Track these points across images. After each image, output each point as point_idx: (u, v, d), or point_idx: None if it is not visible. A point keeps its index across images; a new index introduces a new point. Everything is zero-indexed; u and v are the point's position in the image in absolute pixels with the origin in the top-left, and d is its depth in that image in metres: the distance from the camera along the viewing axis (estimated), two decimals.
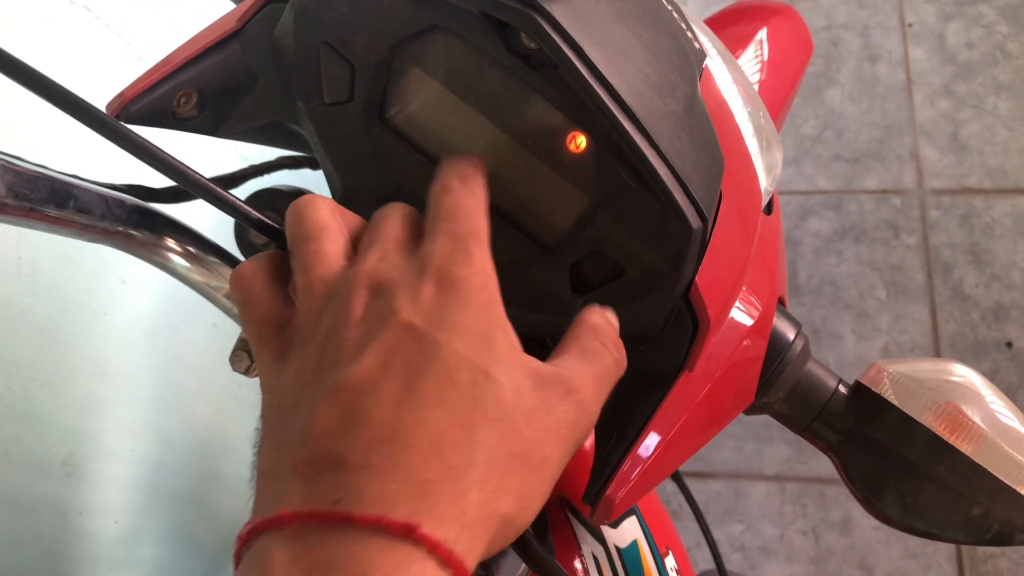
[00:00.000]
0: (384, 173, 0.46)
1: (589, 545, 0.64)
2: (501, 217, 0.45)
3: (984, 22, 1.91)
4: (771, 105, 0.92)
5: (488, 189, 0.43)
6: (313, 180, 0.77)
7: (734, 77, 0.56)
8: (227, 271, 0.49)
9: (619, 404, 0.43)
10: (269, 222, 0.41)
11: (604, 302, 0.43)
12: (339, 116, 0.45)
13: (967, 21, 1.91)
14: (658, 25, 0.45)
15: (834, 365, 1.69)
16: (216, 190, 0.39)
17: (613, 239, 0.42)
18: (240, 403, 1.11)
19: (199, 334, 1.00)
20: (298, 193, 0.54)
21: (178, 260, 0.49)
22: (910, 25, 1.93)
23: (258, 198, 0.54)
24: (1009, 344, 1.63)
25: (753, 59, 0.96)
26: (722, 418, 0.45)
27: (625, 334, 0.43)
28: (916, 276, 1.70)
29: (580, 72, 0.39)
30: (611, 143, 0.40)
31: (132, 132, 0.35)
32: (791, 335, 0.47)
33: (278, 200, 0.54)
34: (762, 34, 0.99)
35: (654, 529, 0.71)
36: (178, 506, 0.96)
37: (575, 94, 0.40)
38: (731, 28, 1.00)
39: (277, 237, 0.41)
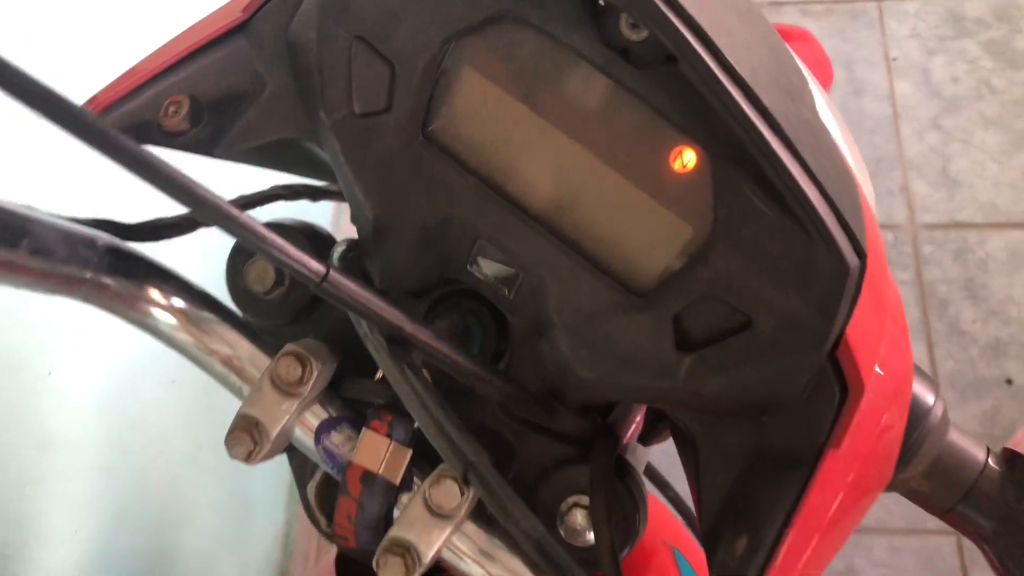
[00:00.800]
0: (428, 201, 0.37)
1: None
2: (580, 256, 0.35)
3: (968, 57, 1.88)
4: None
5: (564, 221, 0.34)
6: (315, 213, 0.67)
7: (826, 99, 0.48)
8: (225, 330, 0.39)
9: (743, 489, 0.34)
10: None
11: (721, 361, 0.33)
12: (373, 130, 0.36)
13: (951, 56, 1.89)
14: (760, 19, 0.37)
15: None
16: (260, 230, 0.29)
17: (736, 281, 0.33)
18: (200, 468, 0.99)
19: (155, 391, 0.88)
20: (307, 230, 0.44)
21: (162, 316, 0.38)
22: (894, 59, 1.90)
23: None
24: (1009, 381, 1.57)
25: None
26: (864, 504, 0.36)
27: (748, 402, 0.33)
28: (911, 312, 1.65)
29: (708, 65, 0.30)
30: (739, 158, 0.31)
31: (126, 140, 0.25)
32: (930, 399, 0.39)
33: (283, 236, 0.44)
34: None
35: None
36: None
37: (693, 97, 0.31)
38: None
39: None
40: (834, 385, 0.33)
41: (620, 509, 0.38)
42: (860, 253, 0.32)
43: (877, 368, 0.34)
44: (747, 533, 0.33)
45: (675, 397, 0.35)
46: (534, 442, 0.40)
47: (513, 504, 0.34)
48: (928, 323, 1.63)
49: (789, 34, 0.98)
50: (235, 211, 0.28)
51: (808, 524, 0.32)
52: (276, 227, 0.44)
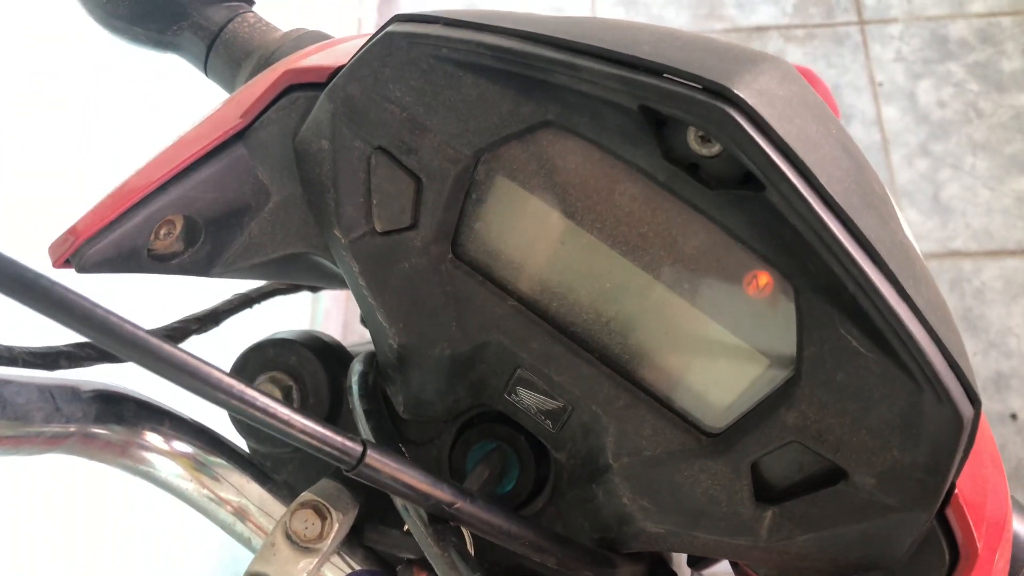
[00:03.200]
0: (460, 327, 0.32)
1: None
2: (640, 391, 0.31)
3: (954, 80, 1.87)
4: None
5: (619, 350, 0.30)
6: (325, 300, 0.62)
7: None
8: (232, 473, 0.34)
9: None
10: None
11: (810, 518, 0.29)
12: (396, 249, 0.32)
13: (937, 79, 1.87)
14: (831, 118, 0.33)
15: None
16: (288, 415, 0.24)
17: (828, 429, 0.28)
18: None
19: None
20: (313, 343, 0.39)
21: (164, 463, 0.33)
22: (880, 84, 1.88)
23: (260, 354, 0.39)
24: (1014, 416, 1.55)
25: None
26: None
27: (842, 564, 0.29)
28: None
29: (799, 191, 0.26)
30: (833, 292, 0.27)
31: (87, 302, 0.20)
32: None
33: (287, 354, 0.39)
34: None
35: None
36: None
37: (777, 223, 0.27)
38: None
39: None
40: (943, 547, 0.29)
41: None
42: (974, 400, 0.27)
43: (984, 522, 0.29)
44: None
45: (756, 556, 0.30)
46: None
47: None
48: None
49: None
50: (223, 377, 0.23)
51: None
52: (276, 343, 0.39)
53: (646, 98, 0.27)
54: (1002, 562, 0.31)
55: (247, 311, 0.47)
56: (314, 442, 0.25)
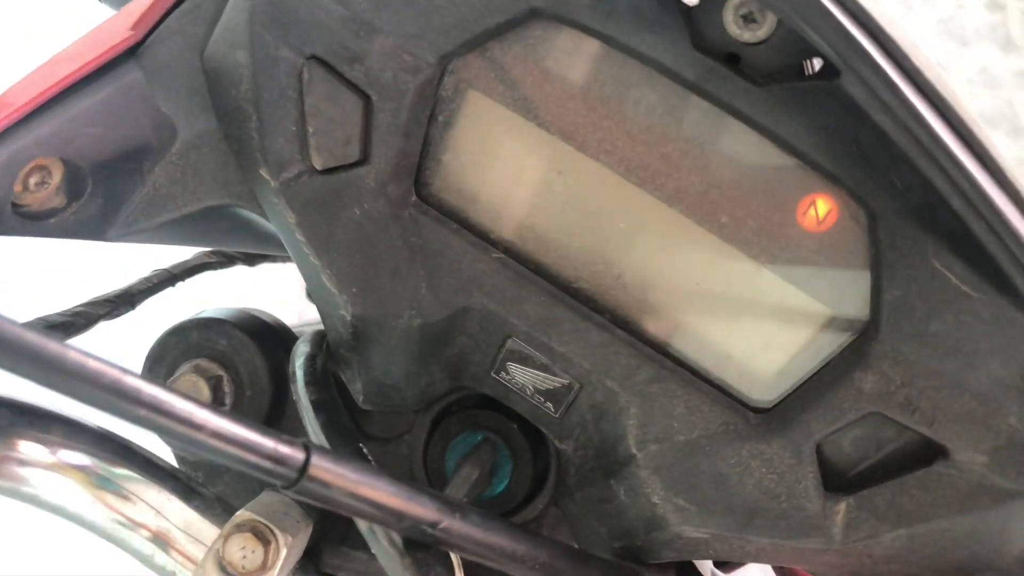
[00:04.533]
0: (431, 289, 0.25)
1: None
2: (668, 360, 0.24)
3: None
4: None
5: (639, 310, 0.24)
6: (262, 278, 0.55)
7: None
8: (152, 492, 0.27)
9: None
10: None
11: (898, 509, 0.22)
12: (343, 192, 0.25)
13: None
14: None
15: None
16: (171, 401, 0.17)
17: (917, 393, 0.22)
18: None
19: None
20: (249, 323, 0.32)
21: (48, 480, 0.26)
22: None
23: (182, 339, 0.31)
24: None
25: None
26: None
27: (942, 568, 0.23)
28: None
29: (888, 76, 0.19)
30: (926, 215, 0.20)
31: None
32: None
33: (215, 337, 0.32)
34: None
35: None
36: None
37: (852, 125, 0.20)
38: None
39: None
40: None
41: None
42: None
43: None
44: None
45: (830, 561, 0.24)
46: None
47: None
48: None
49: None
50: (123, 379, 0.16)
51: None
52: (206, 322, 0.32)
53: None
54: None
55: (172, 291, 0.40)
56: (235, 450, 0.17)
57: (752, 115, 0.22)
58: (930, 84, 0.19)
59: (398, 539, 0.22)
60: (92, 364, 0.16)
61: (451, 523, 0.21)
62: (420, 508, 0.21)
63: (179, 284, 0.40)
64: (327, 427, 0.25)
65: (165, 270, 0.41)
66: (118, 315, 0.38)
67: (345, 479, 0.20)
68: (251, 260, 0.45)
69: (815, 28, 0.19)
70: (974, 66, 1.78)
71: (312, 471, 0.19)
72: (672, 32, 0.22)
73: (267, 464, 0.18)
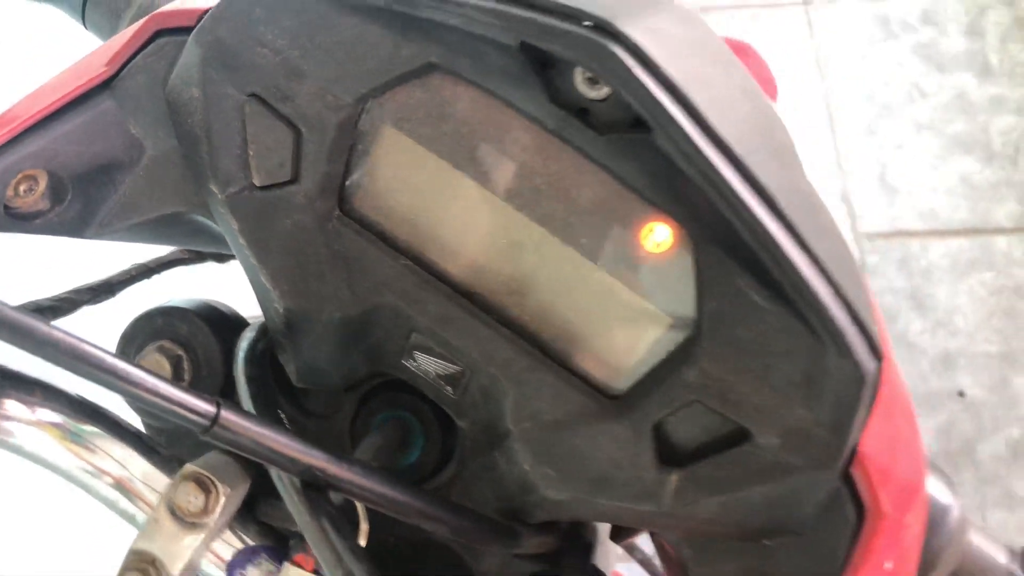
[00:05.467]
0: (350, 289, 0.30)
1: None
2: (539, 352, 0.29)
3: (897, 59, 1.88)
4: None
5: (518, 310, 0.29)
6: (227, 274, 0.60)
7: None
8: (116, 447, 0.32)
9: None
10: None
11: (715, 480, 0.27)
12: (278, 205, 0.30)
13: (881, 58, 1.88)
14: (732, 61, 0.31)
15: None
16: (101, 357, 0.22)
17: (729, 387, 0.27)
18: None
19: None
20: (207, 312, 0.37)
21: (28, 433, 0.31)
22: (824, 63, 1.88)
23: (148, 323, 0.37)
24: (961, 393, 1.56)
25: None
26: None
27: (749, 527, 0.28)
28: None
29: (687, 134, 0.24)
30: (729, 243, 0.26)
31: None
32: (947, 499, 0.33)
33: (177, 323, 0.37)
34: None
35: None
36: None
37: (670, 169, 0.25)
38: None
39: None
40: (849, 508, 0.27)
41: None
42: (877, 354, 0.26)
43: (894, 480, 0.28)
44: None
45: (662, 522, 0.29)
46: (492, 560, 0.34)
47: None
48: None
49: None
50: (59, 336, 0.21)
51: None
52: (166, 311, 0.37)
53: (526, 33, 0.25)
54: (916, 525, 0.30)
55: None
56: (160, 400, 0.23)
57: (598, 158, 0.27)
58: (722, 140, 0.25)
59: (297, 483, 0.28)
60: (67, 339, 0.22)
61: (338, 470, 0.27)
62: (311, 458, 0.26)
63: (154, 276, 0.46)
64: (255, 397, 0.30)
65: (143, 264, 0.46)
66: (99, 301, 0.43)
67: (249, 430, 0.25)
68: (222, 258, 0.50)
69: (629, 91, 0.24)
70: (950, 92, 1.83)
71: (222, 420, 0.24)
72: (534, 88, 0.27)
73: (188, 414, 0.23)
